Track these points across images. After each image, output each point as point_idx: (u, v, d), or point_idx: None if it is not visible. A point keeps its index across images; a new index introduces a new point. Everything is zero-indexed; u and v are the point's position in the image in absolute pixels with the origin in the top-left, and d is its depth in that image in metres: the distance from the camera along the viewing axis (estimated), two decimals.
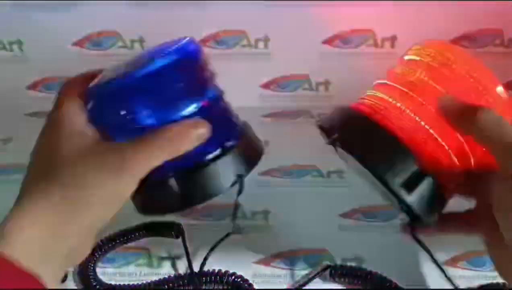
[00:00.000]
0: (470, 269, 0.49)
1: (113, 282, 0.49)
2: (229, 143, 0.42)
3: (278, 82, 0.77)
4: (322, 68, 0.75)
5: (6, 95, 0.79)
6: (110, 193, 0.35)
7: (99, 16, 0.72)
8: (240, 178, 0.42)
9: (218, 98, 0.43)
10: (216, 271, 0.48)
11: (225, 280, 0.47)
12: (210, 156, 0.40)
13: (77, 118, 0.38)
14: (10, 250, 0.32)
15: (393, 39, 0.73)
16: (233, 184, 0.41)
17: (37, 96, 0.80)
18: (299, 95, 0.78)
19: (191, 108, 0.40)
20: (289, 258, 0.51)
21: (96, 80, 0.41)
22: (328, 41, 0.73)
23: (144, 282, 0.48)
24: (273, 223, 0.56)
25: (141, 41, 0.74)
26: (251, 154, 0.44)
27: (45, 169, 0.35)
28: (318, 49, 0.74)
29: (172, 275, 0.48)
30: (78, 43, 0.74)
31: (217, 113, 0.42)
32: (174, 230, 0.51)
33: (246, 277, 0.49)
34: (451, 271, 0.50)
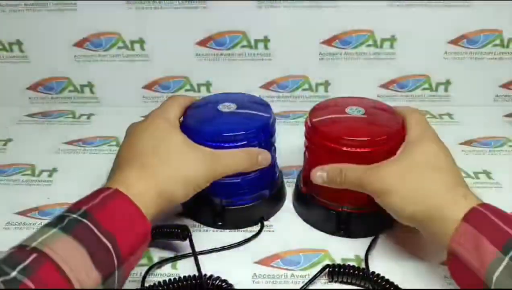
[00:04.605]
0: None
1: None
2: (270, 188, 0.56)
3: (278, 82, 0.77)
4: (321, 68, 0.76)
5: (6, 95, 0.79)
6: (194, 182, 0.46)
7: (99, 16, 0.72)
8: (262, 220, 0.55)
9: (273, 153, 0.56)
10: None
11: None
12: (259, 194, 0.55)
13: (174, 124, 0.50)
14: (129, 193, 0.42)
15: (392, 39, 0.73)
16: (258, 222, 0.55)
17: (37, 97, 0.80)
18: (299, 95, 0.78)
19: None
20: (289, 258, 0.51)
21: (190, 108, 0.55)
22: (327, 42, 0.73)
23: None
24: (273, 222, 0.56)
25: (141, 41, 0.74)
26: (278, 200, 0.58)
27: (145, 153, 0.46)
28: (318, 50, 0.74)
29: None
30: (78, 43, 0.75)
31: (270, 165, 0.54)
32: (182, 233, 0.50)
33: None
34: None
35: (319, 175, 0.50)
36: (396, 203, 0.45)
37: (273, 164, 0.56)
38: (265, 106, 0.55)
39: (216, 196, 0.54)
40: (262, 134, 0.52)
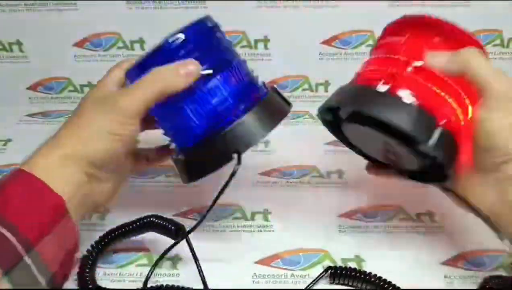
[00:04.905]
0: (470, 269, 0.50)
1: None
2: (250, 104, 0.46)
3: (278, 82, 0.77)
4: (321, 68, 0.76)
5: (6, 95, 0.79)
6: (103, 130, 0.43)
7: (99, 16, 0.72)
8: (238, 153, 0.45)
9: (238, 64, 0.48)
10: None
11: None
12: (234, 117, 0.45)
13: (110, 82, 0.46)
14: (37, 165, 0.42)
15: None
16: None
17: (37, 97, 0.80)
18: (298, 95, 0.78)
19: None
20: (289, 258, 0.51)
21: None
22: (327, 42, 0.73)
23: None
24: (273, 223, 0.56)
25: (141, 41, 0.74)
26: (271, 114, 0.48)
27: (73, 113, 0.46)
28: (318, 50, 0.74)
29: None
30: (78, 43, 0.75)
31: (237, 78, 0.47)
32: (176, 231, 0.49)
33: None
34: (451, 271, 0.50)
35: (449, 54, 0.45)
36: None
37: (235, 75, 0.47)
38: (203, 17, 0.49)
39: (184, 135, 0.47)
40: (190, 44, 0.45)
